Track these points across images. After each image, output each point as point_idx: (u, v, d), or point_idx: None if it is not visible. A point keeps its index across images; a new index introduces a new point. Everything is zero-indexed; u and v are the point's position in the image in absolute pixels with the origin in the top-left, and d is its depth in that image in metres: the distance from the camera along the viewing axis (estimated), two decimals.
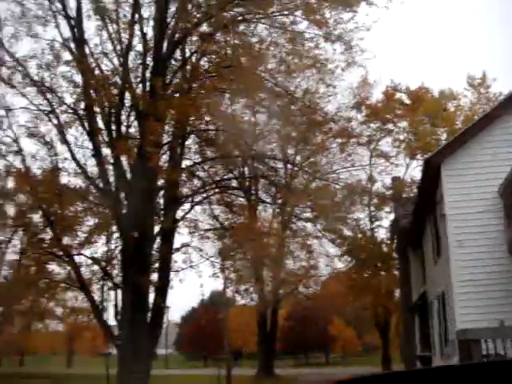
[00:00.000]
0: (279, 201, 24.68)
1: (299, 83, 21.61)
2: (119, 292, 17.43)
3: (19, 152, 17.61)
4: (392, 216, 32.10)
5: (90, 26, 18.02)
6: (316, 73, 19.25)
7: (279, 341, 48.34)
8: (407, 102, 37.69)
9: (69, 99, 17.80)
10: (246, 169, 24.67)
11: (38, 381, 35.69)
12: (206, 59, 18.68)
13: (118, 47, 17.99)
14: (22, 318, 27.57)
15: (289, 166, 27.03)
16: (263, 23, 17.73)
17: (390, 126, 36.68)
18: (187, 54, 18.75)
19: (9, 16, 17.58)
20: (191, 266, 19.35)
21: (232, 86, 17.82)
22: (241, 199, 25.94)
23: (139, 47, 18.37)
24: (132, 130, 17.76)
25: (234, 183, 23.38)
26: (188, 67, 18.41)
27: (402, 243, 25.58)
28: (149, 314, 17.13)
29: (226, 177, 20.39)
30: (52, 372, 45.98)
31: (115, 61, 18.12)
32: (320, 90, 22.96)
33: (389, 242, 35.18)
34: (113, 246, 18.64)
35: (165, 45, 17.77)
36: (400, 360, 33.40)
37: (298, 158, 27.90)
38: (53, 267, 20.56)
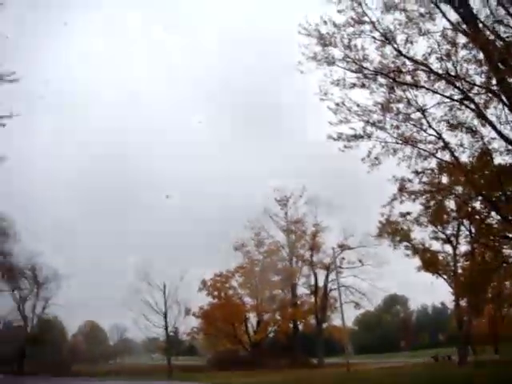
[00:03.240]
0: None
1: None
2: None
3: (446, 146, 17.93)
4: None
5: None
6: None
7: None
8: None
9: (478, 80, 17.40)
10: None
11: None
12: None
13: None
14: (491, 305, 27.60)
15: None
16: None
17: None
18: None
19: (397, 24, 18.25)
20: None
21: None
22: None
23: None
24: None
25: None
26: None
27: None
28: None
29: None
30: None
31: None
32: None
33: None
34: None
35: None
36: None
37: None
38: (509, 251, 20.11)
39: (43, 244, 52.28)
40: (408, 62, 18.21)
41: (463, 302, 39.06)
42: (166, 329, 55.23)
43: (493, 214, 18.96)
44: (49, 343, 59.71)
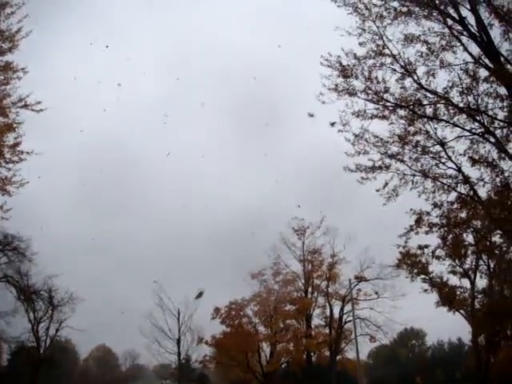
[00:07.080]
0: None
1: None
2: None
3: (466, 180, 17.80)
4: None
5: (495, 33, 17.24)
6: None
7: None
8: None
9: (500, 113, 17.31)
10: None
11: None
12: None
13: None
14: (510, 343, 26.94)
15: None
16: None
17: None
18: None
19: (418, 57, 18.16)
20: None
21: None
22: None
23: None
24: None
25: None
26: None
27: None
28: None
29: None
30: None
31: None
32: None
33: None
34: None
35: None
36: None
37: None
38: None
39: (60, 266, 52.43)
40: (429, 95, 18.21)
41: (481, 339, 38.31)
42: (179, 355, 54.71)
43: None
44: (61, 366, 59.33)
